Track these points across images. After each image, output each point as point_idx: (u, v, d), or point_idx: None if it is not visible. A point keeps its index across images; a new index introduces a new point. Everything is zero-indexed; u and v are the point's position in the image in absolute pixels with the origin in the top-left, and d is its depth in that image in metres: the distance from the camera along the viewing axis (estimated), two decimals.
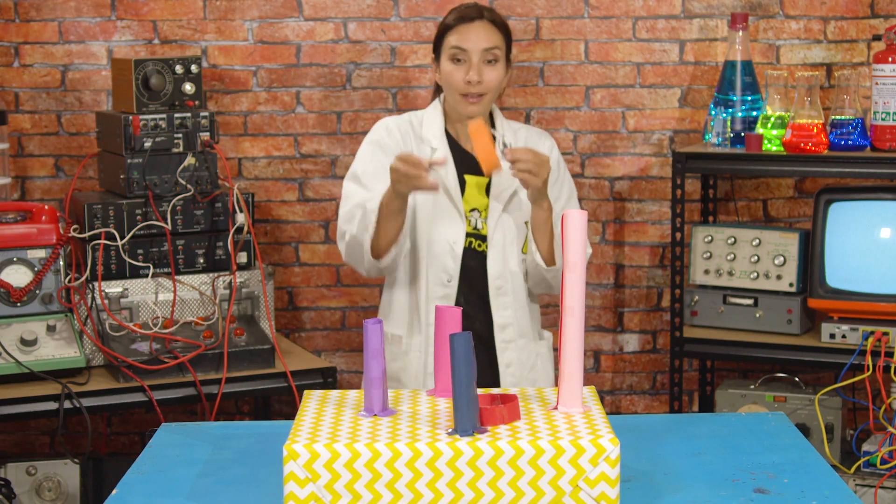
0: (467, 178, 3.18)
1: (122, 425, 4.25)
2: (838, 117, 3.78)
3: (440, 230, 3.16)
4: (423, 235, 3.17)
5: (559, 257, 3.07)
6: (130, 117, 3.63)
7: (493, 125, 3.23)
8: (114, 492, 2.23)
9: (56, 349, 3.47)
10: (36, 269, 3.54)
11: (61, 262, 3.56)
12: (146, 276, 3.64)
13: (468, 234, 3.16)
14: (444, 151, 3.16)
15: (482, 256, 3.17)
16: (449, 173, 3.16)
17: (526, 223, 3.15)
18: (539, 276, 3.16)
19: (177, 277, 3.65)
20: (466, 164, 3.18)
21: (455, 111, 3.18)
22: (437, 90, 3.27)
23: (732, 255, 3.97)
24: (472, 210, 3.18)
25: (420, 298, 3.18)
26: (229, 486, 2.25)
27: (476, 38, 3.10)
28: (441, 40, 3.16)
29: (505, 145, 3.14)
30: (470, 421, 2.05)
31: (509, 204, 3.17)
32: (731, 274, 3.98)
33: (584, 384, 2.22)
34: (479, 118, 3.02)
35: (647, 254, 4.29)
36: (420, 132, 3.20)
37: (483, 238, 3.17)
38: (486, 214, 3.16)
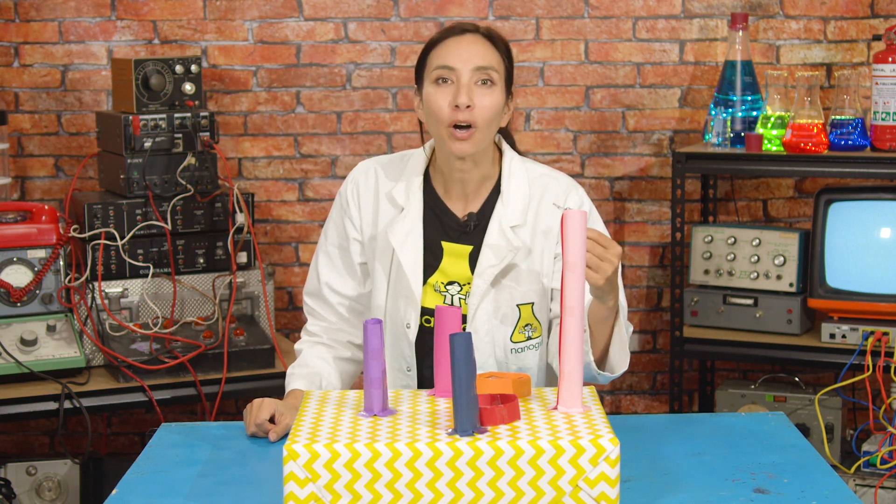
0: (445, 245, 2.58)
1: (122, 425, 4.25)
2: (838, 117, 3.78)
3: (395, 306, 2.59)
4: (381, 305, 2.62)
5: (618, 363, 2.45)
6: (130, 117, 3.63)
7: (500, 170, 2.60)
8: (114, 492, 2.23)
9: (56, 349, 3.47)
10: (36, 269, 3.54)
11: (61, 262, 3.56)
12: (146, 276, 3.64)
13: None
14: (415, 211, 2.58)
15: None
16: (408, 240, 2.57)
17: (519, 306, 2.57)
18: (587, 374, 2.40)
19: (177, 277, 3.65)
20: (445, 227, 2.59)
21: (442, 153, 2.56)
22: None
23: (732, 255, 3.97)
24: (450, 283, 2.57)
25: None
26: (229, 486, 2.25)
27: (467, 53, 2.50)
28: (424, 61, 2.55)
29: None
30: (470, 421, 2.05)
31: (500, 281, 2.55)
32: (731, 274, 3.98)
33: (584, 384, 2.22)
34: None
35: (647, 254, 4.29)
36: (390, 188, 2.61)
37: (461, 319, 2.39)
38: (468, 290, 2.55)
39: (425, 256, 2.58)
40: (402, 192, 2.60)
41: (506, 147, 2.65)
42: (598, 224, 2.63)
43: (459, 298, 2.57)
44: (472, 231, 2.58)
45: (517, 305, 2.57)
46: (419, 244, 2.57)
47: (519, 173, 2.59)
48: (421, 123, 2.64)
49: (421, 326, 2.59)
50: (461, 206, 2.60)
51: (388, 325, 2.62)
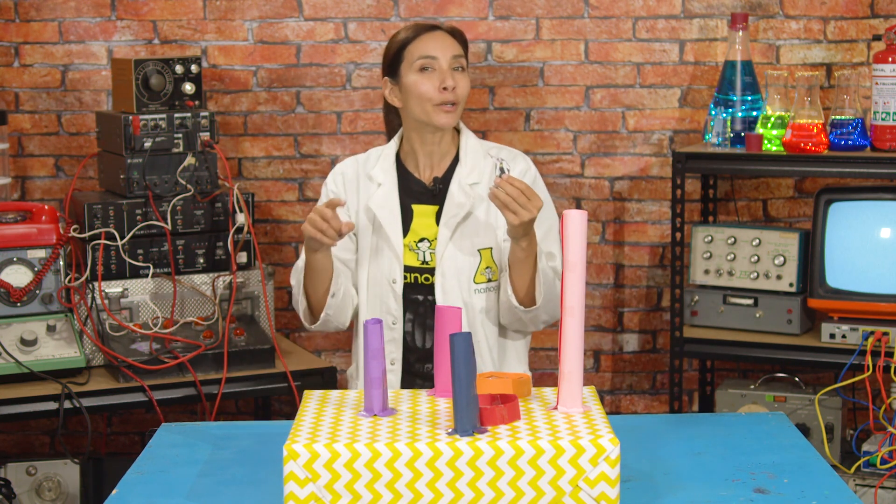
0: (415, 207, 3.00)
1: (122, 425, 4.25)
2: (838, 117, 3.78)
3: (378, 268, 2.98)
4: (364, 275, 3.01)
5: (540, 297, 2.88)
6: (130, 117, 3.63)
7: (458, 146, 3.03)
8: (114, 492, 2.23)
9: (56, 349, 3.47)
10: (36, 269, 3.54)
11: (61, 262, 3.56)
12: (146, 276, 3.64)
13: (414, 269, 2.97)
14: (390, 183, 2.99)
15: (430, 290, 2.96)
16: (387, 205, 2.99)
17: (480, 251, 2.97)
18: (514, 316, 2.94)
19: (177, 277, 3.65)
20: (415, 193, 3.02)
21: (417, 131, 3.01)
22: (388, 123, 3.13)
23: (732, 255, 3.97)
24: (421, 241, 2.99)
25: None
26: (229, 486, 2.26)
27: (444, 45, 2.96)
28: (399, 55, 3.00)
29: (503, 171, 2.79)
30: (470, 421, 2.05)
31: (458, 229, 2.96)
32: (731, 274, 3.98)
33: (584, 384, 2.22)
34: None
35: (647, 254, 4.29)
36: (369, 171, 3.04)
37: (431, 271, 2.96)
38: (436, 245, 2.97)
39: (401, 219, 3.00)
40: (379, 172, 3.03)
41: (461, 125, 3.07)
42: (541, 191, 3.01)
43: (430, 253, 2.97)
44: (438, 193, 2.99)
45: (478, 250, 2.97)
46: (397, 209, 2.99)
47: (474, 143, 3.05)
48: (387, 111, 3.13)
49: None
50: (428, 176, 3.03)
51: (373, 287, 3.00)
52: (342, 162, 3.12)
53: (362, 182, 3.04)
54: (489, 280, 2.98)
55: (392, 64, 3.03)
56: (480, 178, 2.99)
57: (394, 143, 3.07)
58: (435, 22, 3.04)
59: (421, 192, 3.01)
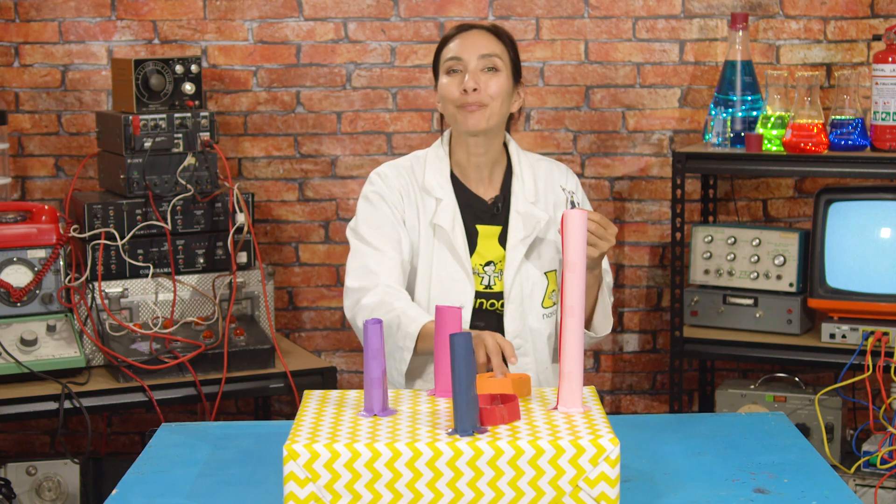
0: (479, 228, 2.82)
1: (122, 425, 4.25)
2: (838, 117, 3.78)
3: (446, 294, 2.77)
4: (424, 298, 2.79)
5: (601, 325, 2.80)
6: (130, 117, 3.63)
7: (508, 158, 2.88)
8: (114, 492, 2.23)
9: (56, 349, 3.47)
10: (36, 269, 3.54)
11: (61, 262, 3.56)
12: (146, 276, 3.64)
13: (479, 294, 2.79)
14: (449, 199, 2.81)
15: (497, 317, 2.78)
16: (455, 226, 2.79)
17: (546, 274, 2.83)
18: None
19: (177, 277, 3.65)
20: (476, 211, 2.83)
21: (459, 139, 2.83)
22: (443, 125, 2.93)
23: (732, 255, 3.97)
24: (487, 264, 2.81)
25: (426, 368, 2.78)
26: (229, 486, 2.26)
27: (472, 44, 2.77)
28: (437, 59, 2.84)
29: (573, 204, 2.76)
30: (470, 421, 2.05)
31: (530, 253, 2.81)
32: (731, 274, 3.98)
33: (584, 384, 2.22)
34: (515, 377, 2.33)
35: (647, 254, 4.29)
36: (423, 181, 2.83)
37: (497, 296, 2.79)
38: (502, 267, 2.79)
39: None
40: (435, 185, 2.82)
41: (509, 137, 2.90)
42: (585, 203, 2.92)
43: (496, 277, 2.80)
44: (498, 213, 2.83)
45: (545, 273, 2.83)
46: (464, 230, 2.80)
47: (524, 157, 2.89)
48: (442, 118, 2.88)
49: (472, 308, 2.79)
50: (482, 191, 2.85)
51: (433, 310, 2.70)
52: (382, 167, 2.87)
53: (417, 194, 2.83)
54: (555, 303, 2.84)
55: (434, 69, 2.87)
56: (537, 198, 2.84)
57: (443, 154, 2.86)
58: (479, 22, 2.87)
59: (483, 211, 2.83)
